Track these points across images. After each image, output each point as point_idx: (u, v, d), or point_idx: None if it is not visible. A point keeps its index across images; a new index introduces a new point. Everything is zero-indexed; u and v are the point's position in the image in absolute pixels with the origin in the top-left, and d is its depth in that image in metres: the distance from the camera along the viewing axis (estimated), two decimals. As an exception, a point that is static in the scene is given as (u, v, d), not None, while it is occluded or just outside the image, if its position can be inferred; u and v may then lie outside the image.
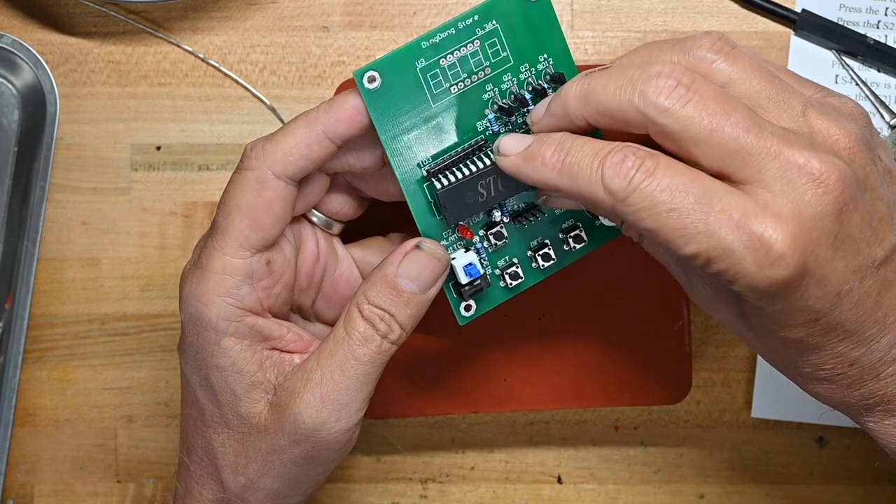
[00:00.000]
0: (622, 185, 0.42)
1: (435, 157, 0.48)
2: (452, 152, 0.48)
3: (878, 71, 0.60)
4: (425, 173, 0.48)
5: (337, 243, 0.52)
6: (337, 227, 0.51)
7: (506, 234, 0.49)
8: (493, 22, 0.47)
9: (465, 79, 0.47)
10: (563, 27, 0.60)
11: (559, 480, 0.61)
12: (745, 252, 0.41)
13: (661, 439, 0.61)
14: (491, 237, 0.49)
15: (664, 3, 0.60)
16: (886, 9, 0.60)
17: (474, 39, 0.47)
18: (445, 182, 0.47)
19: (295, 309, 0.51)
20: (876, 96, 0.60)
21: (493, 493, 0.61)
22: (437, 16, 0.60)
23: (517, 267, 0.50)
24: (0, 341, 0.59)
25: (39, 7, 0.61)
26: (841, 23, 0.60)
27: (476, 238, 0.49)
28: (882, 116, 0.60)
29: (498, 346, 0.56)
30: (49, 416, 0.61)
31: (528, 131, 0.48)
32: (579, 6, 0.60)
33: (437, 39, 0.47)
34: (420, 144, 0.48)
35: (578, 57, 0.60)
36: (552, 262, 0.50)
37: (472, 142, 0.48)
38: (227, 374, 0.47)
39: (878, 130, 0.60)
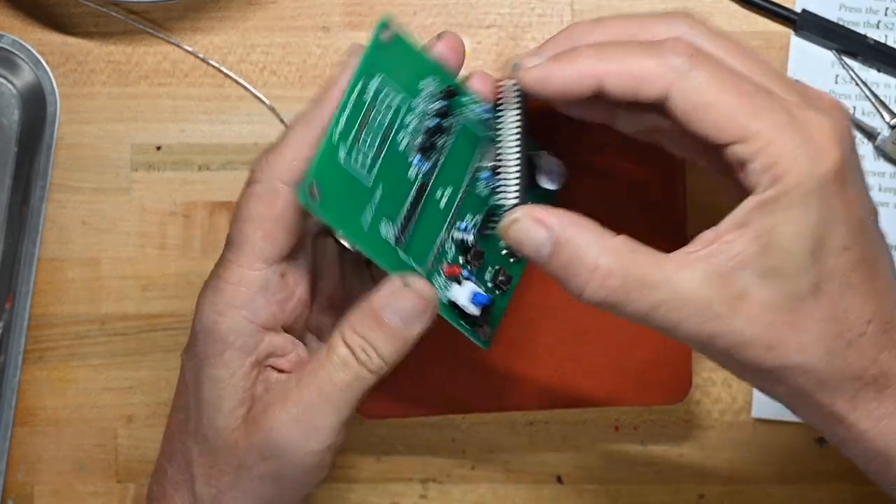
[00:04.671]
0: (684, 61, 0.42)
1: (394, 222, 0.48)
2: (404, 210, 0.48)
3: (878, 71, 0.60)
4: (394, 243, 0.48)
5: (366, 270, 0.52)
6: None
7: (482, 249, 0.49)
8: (372, 79, 0.47)
9: (379, 143, 0.47)
10: (563, 27, 0.60)
11: (559, 480, 0.61)
12: (799, 138, 0.42)
13: (661, 439, 0.61)
14: (473, 261, 0.49)
15: (664, 3, 0.60)
16: (886, 9, 0.60)
17: (367, 103, 0.47)
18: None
19: (314, 329, 0.51)
20: (876, 96, 0.60)
21: (493, 493, 0.61)
22: (438, 16, 0.60)
23: (503, 271, 0.50)
24: (0, 341, 0.59)
25: (39, 7, 0.61)
26: (841, 23, 0.60)
27: (464, 270, 0.49)
28: (882, 116, 0.60)
29: (498, 346, 0.56)
30: (49, 416, 0.61)
31: (448, 150, 0.49)
32: (579, 6, 0.60)
33: (342, 124, 0.46)
34: (379, 221, 0.47)
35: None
36: None
37: (415, 192, 0.48)
38: (222, 386, 0.48)
39: (879, 131, 0.60)
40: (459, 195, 0.49)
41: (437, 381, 0.57)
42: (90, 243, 0.61)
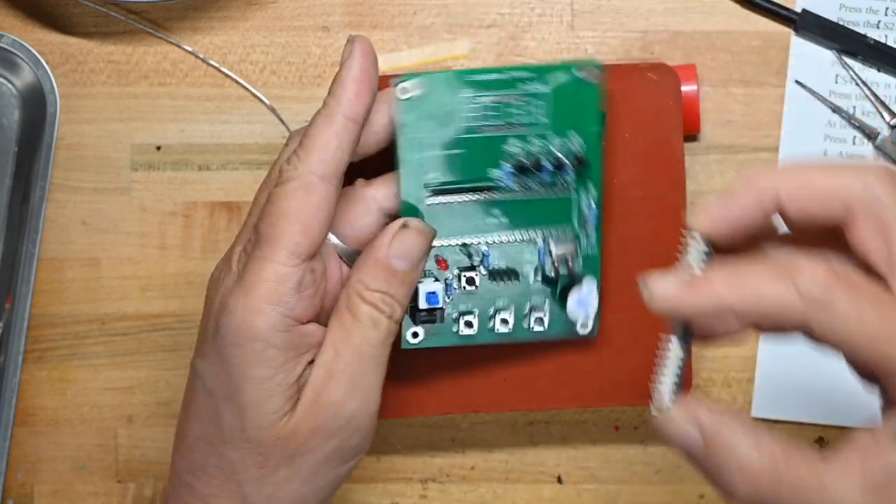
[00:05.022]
0: (821, 291, 0.40)
1: (442, 183, 0.49)
2: (458, 186, 0.49)
3: (878, 71, 0.60)
4: (429, 192, 0.49)
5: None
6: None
7: (478, 283, 0.51)
8: (546, 86, 0.48)
9: (497, 125, 0.48)
10: (563, 27, 0.60)
11: (559, 480, 0.61)
12: None
13: (661, 439, 0.61)
14: (464, 279, 0.51)
15: (664, 2, 0.60)
16: (886, 9, 0.60)
17: (522, 94, 0.48)
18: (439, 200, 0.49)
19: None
20: (876, 96, 0.60)
21: (493, 493, 0.61)
22: (438, 16, 0.60)
23: (474, 318, 0.51)
24: (0, 341, 0.59)
25: (39, 7, 0.61)
26: (841, 23, 0.60)
27: (449, 273, 0.50)
28: (882, 116, 0.60)
29: (498, 345, 0.56)
30: (49, 416, 0.61)
31: (534, 196, 0.50)
32: (579, 6, 0.60)
33: (488, 78, 0.48)
34: (431, 166, 0.48)
35: (578, 57, 0.60)
36: (508, 331, 0.52)
37: (481, 185, 0.49)
38: (265, 386, 0.47)
39: (879, 131, 0.60)
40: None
41: (438, 381, 0.57)
42: (90, 243, 0.61)
